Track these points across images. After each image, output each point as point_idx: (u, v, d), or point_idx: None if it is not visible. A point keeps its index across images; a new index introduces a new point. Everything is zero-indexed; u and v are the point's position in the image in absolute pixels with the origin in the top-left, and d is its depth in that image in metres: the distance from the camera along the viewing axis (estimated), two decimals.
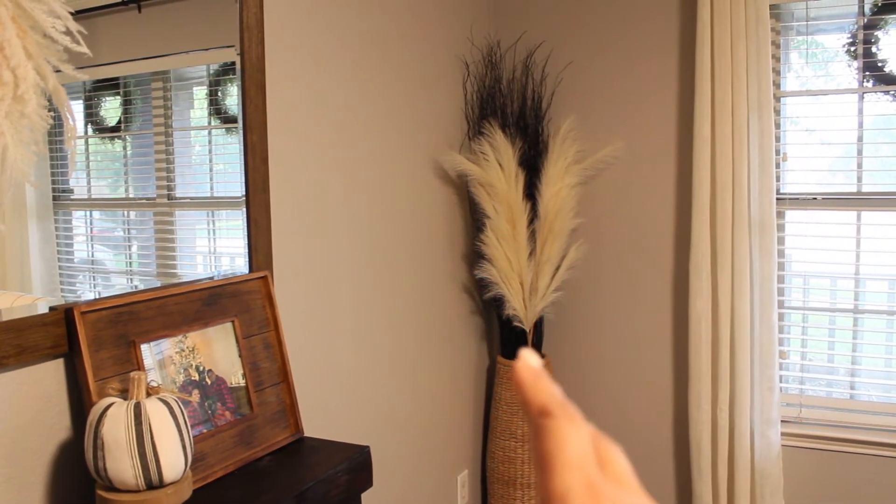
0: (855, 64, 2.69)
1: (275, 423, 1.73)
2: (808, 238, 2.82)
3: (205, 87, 1.86)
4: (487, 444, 3.02)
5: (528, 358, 0.41)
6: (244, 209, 1.84)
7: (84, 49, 1.21)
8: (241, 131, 1.82)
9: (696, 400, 2.77)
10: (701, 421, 2.77)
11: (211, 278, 1.72)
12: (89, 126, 1.63)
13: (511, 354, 2.93)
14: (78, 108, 1.58)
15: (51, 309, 1.37)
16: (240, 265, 1.85)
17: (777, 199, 2.68)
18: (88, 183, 1.63)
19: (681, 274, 2.91)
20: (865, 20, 2.66)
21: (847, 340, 2.84)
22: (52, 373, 1.37)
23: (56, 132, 1.33)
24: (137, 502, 1.25)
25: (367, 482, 1.72)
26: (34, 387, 1.34)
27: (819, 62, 2.79)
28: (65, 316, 1.37)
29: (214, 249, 1.91)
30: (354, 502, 1.70)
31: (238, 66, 1.80)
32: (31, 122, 1.18)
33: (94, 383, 1.36)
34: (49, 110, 1.21)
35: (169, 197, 1.74)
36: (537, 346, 2.94)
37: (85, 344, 1.36)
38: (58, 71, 1.22)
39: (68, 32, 1.20)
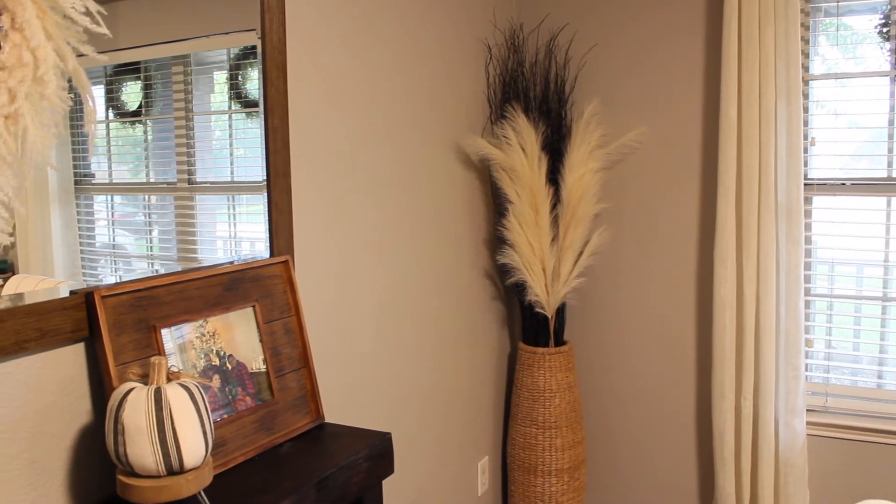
0: (887, 46, 2.63)
1: (296, 408, 1.72)
2: (835, 224, 2.77)
3: (225, 71, 1.84)
4: (508, 430, 3.01)
5: None
6: (265, 193, 1.82)
7: (104, 30, 1.20)
8: (262, 114, 1.80)
9: (720, 388, 2.74)
10: (724, 409, 2.74)
11: (231, 263, 1.71)
12: (110, 110, 1.62)
13: (533, 341, 2.91)
14: (99, 92, 1.57)
15: (71, 293, 1.36)
16: (260, 250, 1.84)
17: (804, 184, 2.64)
18: (110, 167, 1.62)
19: (705, 260, 2.88)
20: None
21: (874, 329, 2.79)
22: (72, 357, 1.37)
23: (78, 116, 1.32)
24: (158, 488, 1.24)
25: (389, 469, 1.71)
26: (55, 371, 1.34)
27: (849, 44, 2.73)
28: (85, 300, 1.36)
29: (235, 234, 1.90)
30: (376, 489, 1.69)
31: (259, 49, 1.79)
32: (50, 103, 1.16)
33: (114, 368, 1.35)
34: (69, 92, 1.20)
35: (189, 181, 1.73)
36: (559, 333, 2.92)
37: (105, 328, 1.35)
38: (80, 55, 1.20)
39: (88, 13, 1.19)
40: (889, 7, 2.61)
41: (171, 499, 1.25)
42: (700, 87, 2.84)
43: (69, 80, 1.20)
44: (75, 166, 1.45)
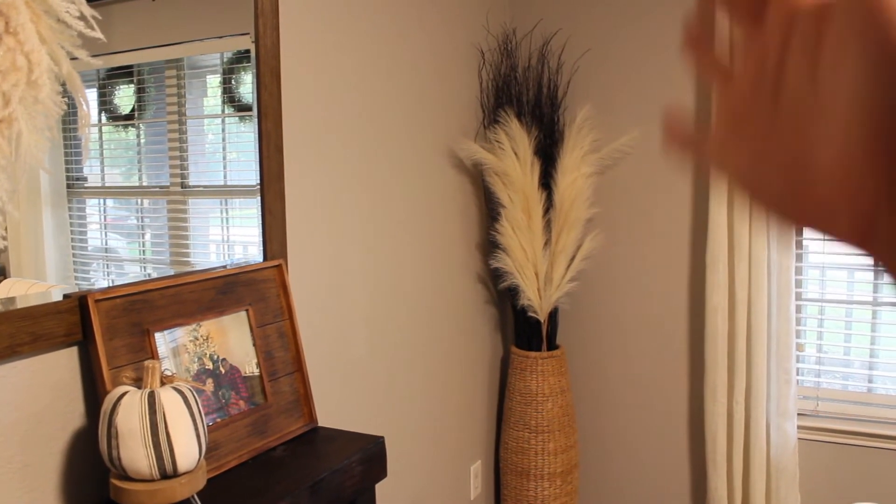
0: None
1: (289, 412, 1.72)
2: None
3: (218, 75, 1.85)
4: (501, 434, 3.01)
5: None
6: (259, 197, 1.82)
7: (98, 34, 1.20)
8: (255, 119, 1.80)
9: (712, 391, 2.75)
10: (716, 413, 2.75)
11: (224, 267, 1.71)
12: (103, 114, 1.62)
13: (525, 345, 2.92)
14: (92, 96, 1.57)
15: (65, 297, 1.36)
16: (253, 254, 1.84)
17: None
18: (102, 171, 1.62)
19: (697, 264, 2.89)
20: None
21: (865, 333, 2.81)
22: (66, 361, 1.37)
23: (69, 119, 1.32)
24: (151, 491, 1.24)
25: (382, 473, 1.71)
26: (48, 375, 1.34)
27: None
28: (79, 304, 1.36)
29: (227, 238, 1.90)
30: (369, 492, 1.69)
31: (253, 53, 1.79)
32: (45, 107, 1.16)
33: (108, 372, 1.35)
34: (63, 96, 1.20)
35: (182, 185, 1.73)
36: (552, 337, 2.92)
37: (99, 332, 1.35)
38: (74, 59, 1.20)
39: (82, 17, 1.19)
40: None
41: (165, 502, 1.25)
42: (692, 92, 2.85)
43: (63, 84, 1.20)
44: (68, 170, 1.44)
